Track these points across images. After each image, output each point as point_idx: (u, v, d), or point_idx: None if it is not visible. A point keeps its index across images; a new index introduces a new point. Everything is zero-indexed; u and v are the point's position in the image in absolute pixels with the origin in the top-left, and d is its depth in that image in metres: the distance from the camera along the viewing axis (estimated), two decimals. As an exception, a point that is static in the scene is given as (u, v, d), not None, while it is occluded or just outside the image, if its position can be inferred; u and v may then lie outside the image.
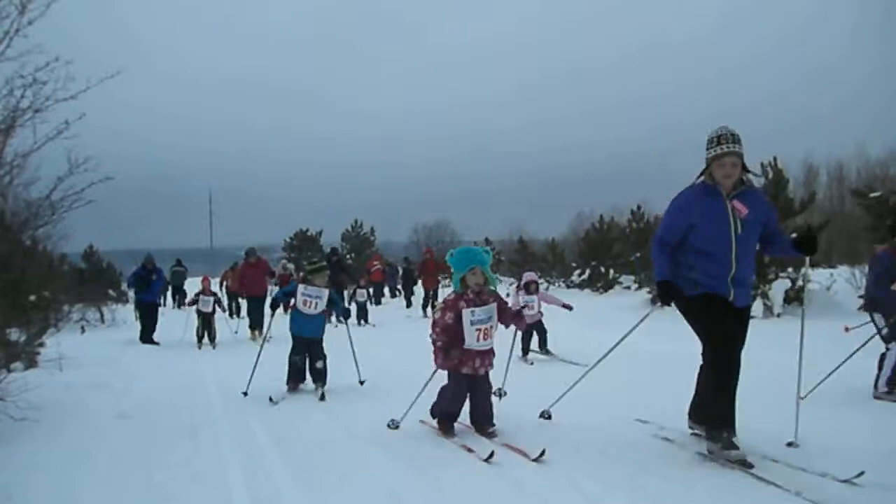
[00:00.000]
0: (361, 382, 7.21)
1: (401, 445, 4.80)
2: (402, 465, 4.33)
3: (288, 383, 7.07)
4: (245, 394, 6.74)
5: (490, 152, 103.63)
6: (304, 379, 7.20)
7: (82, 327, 14.62)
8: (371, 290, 19.63)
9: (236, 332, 13.21)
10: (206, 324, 12.30)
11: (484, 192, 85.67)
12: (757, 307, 12.00)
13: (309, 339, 7.12)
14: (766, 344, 8.69)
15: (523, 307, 7.00)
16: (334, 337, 7.69)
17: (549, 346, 9.45)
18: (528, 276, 9.85)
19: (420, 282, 18.69)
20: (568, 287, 21.49)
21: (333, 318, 10.52)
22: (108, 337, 13.41)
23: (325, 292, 7.20)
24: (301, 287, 7.18)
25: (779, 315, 11.82)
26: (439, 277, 18.18)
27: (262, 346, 7.60)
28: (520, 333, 7.38)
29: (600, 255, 20.63)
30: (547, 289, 22.28)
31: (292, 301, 7.22)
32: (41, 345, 7.47)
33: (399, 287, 22.82)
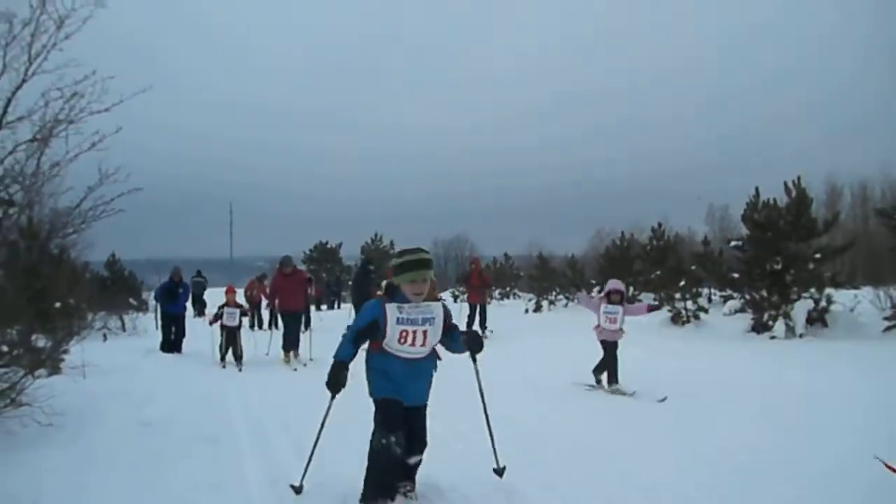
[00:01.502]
0: (500, 471, 4.21)
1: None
2: None
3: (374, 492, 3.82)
4: (298, 490, 3.98)
5: (511, 169, 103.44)
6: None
7: (104, 335, 14.74)
8: None
9: (267, 354, 11.66)
10: (231, 340, 10.96)
11: (503, 207, 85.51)
12: (779, 328, 11.87)
13: (412, 407, 3.93)
14: (787, 365, 8.68)
15: (608, 319, 6.93)
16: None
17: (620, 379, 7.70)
18: (613, 284, 8.29)
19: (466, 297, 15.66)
20: (587, 304, 21.33)
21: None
22: (129, 345, 13.50)
23: (440, 309, 3.97)
24: (391, 307, 3.78)
25: (801, 336, 11.65)
26: (487, 291, 15.71)
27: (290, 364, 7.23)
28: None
29: (620, 271, 20.47)
30: (566, 305, 22.17)
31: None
32: (65, 351, 7.56)
33: None
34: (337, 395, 3.82)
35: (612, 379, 7.71)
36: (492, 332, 14.28)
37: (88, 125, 5.61)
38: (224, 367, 10.62)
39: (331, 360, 3.81)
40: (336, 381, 3.75)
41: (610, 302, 7.95)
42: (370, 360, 3.90)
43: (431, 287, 3.89)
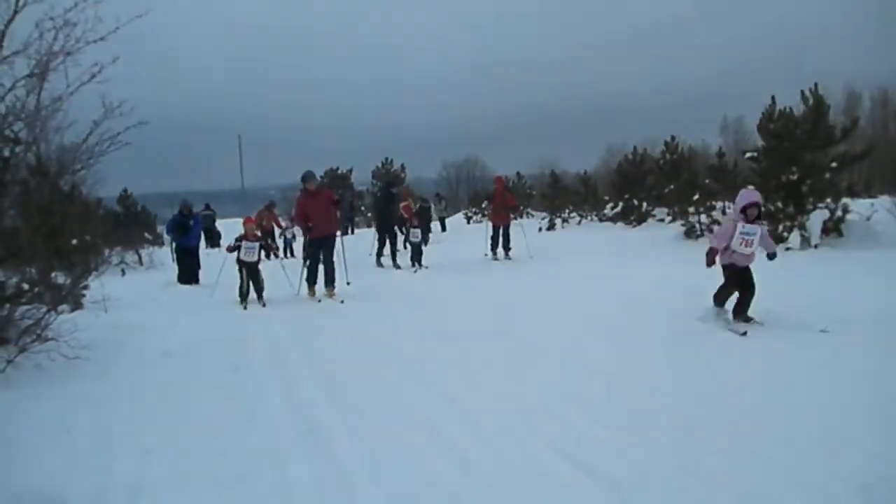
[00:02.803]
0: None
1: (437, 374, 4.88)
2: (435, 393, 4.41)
3: None
4: None
5: (518, 83, 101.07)
6: None
7: (122, 270, 14.96)
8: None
9: (297, 294, 9.96)
10: (251, 276, 9.69)
11: (513, 126, 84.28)
12: (794, 238, 11.79)
13: None
14: (800, 275, 8.65)
15: (744, 242, 6.02)
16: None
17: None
18: (750, 196, 6.36)
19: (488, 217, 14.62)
20: (601, 220, 21.23)
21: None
22: (147, 279, 13.69)
23: None
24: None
25: (816, 246, 11.58)
26: (511, 213, 14.31)
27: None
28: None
29: (634, 187, 20.29)
30: (579, 222, 22.08)
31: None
32: (85, 287, 7.67)
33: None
34: None
35: (742, 312, 6.32)
36: (531, 257, 13.67)
37: (87, 56, 5.47)
38: (246, 307, 9.26)
39: None
40: None
41: (748, 220, 6.24)
42: None
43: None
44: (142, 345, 6.37)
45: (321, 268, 9.81)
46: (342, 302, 9.10)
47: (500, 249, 13.79)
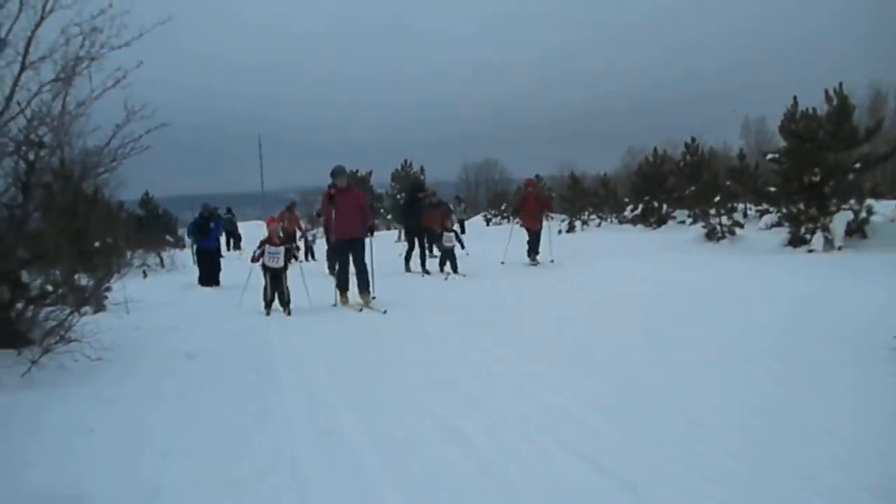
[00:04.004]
0: None
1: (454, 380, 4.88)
2: (461, 399, 4.42)
3: None
4: None
5: (537, 82, 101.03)
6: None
7: (144, 272, 15.16)
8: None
9: (335, 305, 9.18)
10: (276, 283, 9.00)
11: (532, 127, 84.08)
12: (817, 240, 11.65)
13: None
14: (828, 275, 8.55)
15: None
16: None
17: None
18: None
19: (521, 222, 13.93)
20: (620, 223, 21.14)
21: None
22: (169, 281, 13.85)
23: None
24: None
25: (840, 248, 11.43)
26: (543, 217, 13.66)
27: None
28: None
29: (653, 189, 20.18)
30: (599, 225, 21.96)
31: None
32: (108, 289, 7.79)
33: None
34: None
35: None
36: (552, 261, 13.28)
37: (111, 62, 5.57)
38: (269, 314, 8.79)
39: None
40: None
41: None
42: None
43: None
44: (163, 346, 6.44)
45: (352, 271, 9.12)
46: (384, 312, 8.28)
47: (538, 256, 13.27)
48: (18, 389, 4.69)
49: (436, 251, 13.56)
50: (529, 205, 13.43)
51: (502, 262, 13.38)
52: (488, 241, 18.91)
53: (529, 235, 13.37)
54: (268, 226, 10.14)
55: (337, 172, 9.14)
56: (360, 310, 8.60)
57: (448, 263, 12.39)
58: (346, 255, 9.15)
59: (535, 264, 13.17)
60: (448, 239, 12.59)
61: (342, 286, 9.23)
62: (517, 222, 14.59)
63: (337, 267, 9.38)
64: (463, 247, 14.80)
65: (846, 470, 3.13)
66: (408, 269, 13.24)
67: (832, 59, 48.85)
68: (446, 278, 11.91)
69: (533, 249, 13.32)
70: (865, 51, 48.57)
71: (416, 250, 13.22)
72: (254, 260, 9.19)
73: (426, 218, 13.23)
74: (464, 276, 11.90)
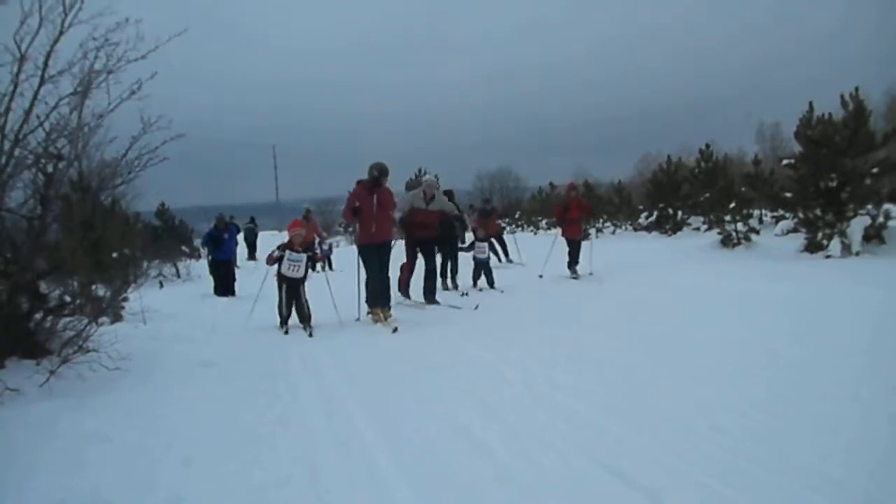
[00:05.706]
0: None
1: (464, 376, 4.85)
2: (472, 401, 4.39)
3: None
4: None
5: (552, 88, 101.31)
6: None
7: (160, 282, 15.25)
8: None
9: (358, 319, 8.31)
10: (292, 296, 8.11)
11: (546, 133, 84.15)
12: (834, 246, 11.53)
13: None
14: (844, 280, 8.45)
15: None
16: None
17: None
18: None
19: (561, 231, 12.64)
20: (635, 230, 21.06)
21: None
22: (185, 291, 13.93)
23: None
24: None
25: (857, 253, 11.31)
26: (584, 225, 12.71)
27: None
28: None
29: (668, 196, 20.09)
30: (613, 232, 21.87)
31: None
32: (125, 299, 7.83)
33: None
34: None
35: None
36: (591, 273, 12.13)
37: (128, 75, 5.64)
38: (286, 332, 7.91)
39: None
40: None
41: None
42: None
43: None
44: (180, 356, 6.45)
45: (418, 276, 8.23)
46: (395, 330, 7.49)
47: (579, 267, 12.17)
48: (37, 399, 4.71)
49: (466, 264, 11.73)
50: (573, 211, 12.27)
51: (540, 276, 12.13)
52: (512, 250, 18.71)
53: (570, 246, 12.25)
54: (289, 230, 8.50)
55: (384, 169, 8.28)
56: (395, 329, 7.55)
57: (483, 277, 11.31)
58: (379, 262, 8.27)
59: (575, 277, 12.03)
60: (480, 250, 11.42)
61: (374, 300, 8.20)
62: (554, 232, 13.38)
63: (368, 276, 8.27)
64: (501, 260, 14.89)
65: (876, 480, 3.07)
66: (406, 295, 10.08)
67: (846, 63, 48.46)
68: (480, 290, 10.93)
69: (574, 261, 12.21)
70: (879, 55, 48.23)
71: (421, 269, 9.98)
72: (269, 260, 8.21)
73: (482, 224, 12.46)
74: (501, 291, 10.74)
